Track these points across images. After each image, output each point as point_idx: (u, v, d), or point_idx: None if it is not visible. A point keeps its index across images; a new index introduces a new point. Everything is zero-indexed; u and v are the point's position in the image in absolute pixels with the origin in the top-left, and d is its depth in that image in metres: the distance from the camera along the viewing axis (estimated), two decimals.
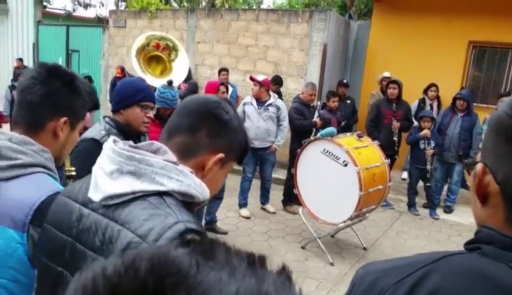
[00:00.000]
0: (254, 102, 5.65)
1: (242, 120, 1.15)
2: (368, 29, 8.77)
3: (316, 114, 5.94)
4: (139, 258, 0.38)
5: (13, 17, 12.97)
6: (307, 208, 4.81)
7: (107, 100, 9.26)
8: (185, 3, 16.56)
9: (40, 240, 1.11)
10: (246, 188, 5.81)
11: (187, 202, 0.97)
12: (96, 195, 0.95)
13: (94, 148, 2.01)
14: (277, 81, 7.01)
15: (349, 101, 7.55)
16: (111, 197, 0.93)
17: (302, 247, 4.92)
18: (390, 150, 5.75)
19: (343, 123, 6.74)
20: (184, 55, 6.08)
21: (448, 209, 6.43)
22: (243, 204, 5.82)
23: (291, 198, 5.79)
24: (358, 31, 9.09)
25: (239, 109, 5.82)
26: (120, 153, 0.95)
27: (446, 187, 6.51)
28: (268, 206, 6.02)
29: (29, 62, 11.87)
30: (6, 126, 6.27)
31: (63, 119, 1.35)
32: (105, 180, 0.95)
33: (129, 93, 2.37)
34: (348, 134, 5.15)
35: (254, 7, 10.93)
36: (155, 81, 5.61)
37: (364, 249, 4.98)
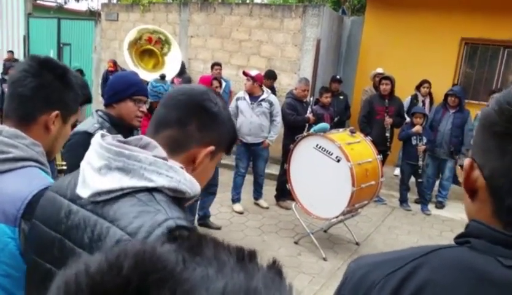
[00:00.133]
0: (247, 97, 5.64)
1: (228, 109, 1.13)
2: (361, 25, 8.78)
3: (309, 109, 5.94)
4: (124, 254, 0.37)
5: (3, 9, 12.78)
6: (300, 203, 4.82)
7: (99, 94, 9.19)
8: None
9: (29, 236, 1.10)
10: (239, 183, 5.80)
11: (177, 198, 0.96)
12: (84, 191, 0.94)
13: (87, 141, 1.98)
14: (271, 75, 6.99)
15: (341, 97, 7.56)
16: (99, 194, 0.91)
17: (295, 243, 4.93)
18: (382, 146, 5.77)
19: (336, 119, 6.76)
20: (177, 48, 6.04)
21: (440, 205, 6.48)
22: (236, 199, 5.82)
23: (284, 194, 5.80)
24: (352, 27, 9.10)
25: (232, 104, 5.80)
26: (108, 148, 0.93)
27: (437, 183, 6.56)
28: (261, 202, 6.02)
29: (19, 55, 11.73)
30: None
31: (55, 113, 1.34)
32: (93, 176, 0.93)
33: (121, 87, 2.35)
34: (341, 129, 5.16)
35: (247, 1, 10.88)
36: (148, 75, 5.57)
37: (357, 244, 5.01)
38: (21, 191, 1.19)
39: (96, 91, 9.82)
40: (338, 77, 7.69)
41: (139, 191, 0.91)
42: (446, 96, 6.23)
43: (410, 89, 7.34)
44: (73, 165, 1.29)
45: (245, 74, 5.73)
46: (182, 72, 7.69)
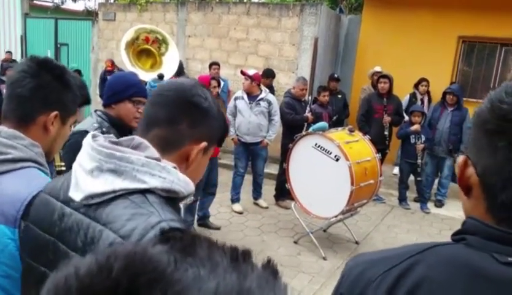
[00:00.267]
0: (245, 96, 5.63)
1: (217, 102, 1.10)
2: (359, 23, 8.78)
3: (307, 108, 5.94)
4: (114, 256, 0.36)
5: (0, 9, 12.74)
6: (299, 202, 4.82)
7: (97, 94, 9.18)
8: None
9: (23, 239, 1.09)
10: (238, 183, 5.80)
11: (171, 198, 0.95)
12: (76, 194, 0.93)
13: None
14: (269, 74, 6.98)
15: (340, 96, 7.56)
16: (92, 196, 0.90)
17: (295, 242, 4.93)
18: (381, 145, 5.78)
19: (334, 118, 6.76)
20: (174, 48, 6.04)
21: (439, 203, 6.49)
22: (235, 199, 5.81)
23: (283, 193, 5.80)
24: (349, 26, 9.10)
25: (231, 104, 5.80)
26: (99, 150, 0.92)
27: (436, 181, 6.57)
28: (260, 201, 6.02)
29: (16, 55, 11.69)
30: None
31: (54, 113, 1.33)
32: (85, 179, 0.92)
33: (120, 87, 2.34)
34: (339, 128, 5.16)
35: (245, 1, 10.87)
36: (145, 75, 5.56)
37: (356, 243, 5.01)
38: (20, 192, 1.18)
39: (94, 91, 9.80)
40: (336, 75, 7.68)
41: (131, 193, 0.89)
42: (444, 94, 6.24)
43: (408, 87, 7.35)
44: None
45: (243, 73, 5.72)
46: (180, 72, 7.67)
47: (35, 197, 1.16)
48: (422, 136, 6.10)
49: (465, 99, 6.68)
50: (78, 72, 8.10)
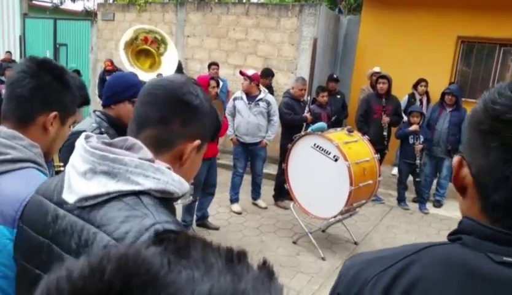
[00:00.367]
0: (244, 97, 5.63)
1: (208, 98, 1.09)
2: (358, 24, 8.78)
3: (306, 108, 5.94)
4: (107, 258, 0.36)
5: None
6: (298, 202, 4.82)
7: (96, 94, 9.17)
8: None
9: (17, 241, 1.08)
10: (237, 183, 5.80)
11: (165, 198, 0.94)
12: (70, 196, 0.92)
13: None
14: (268, 73, 6.97)
15: (339, 96, 7.56)
16: (85, 199, 0.89)
17: (294, 242, 4.93)
18: (379, 145, 5.78)
19: (333, 118, 6.75)
20: (173, 48, 6.03)
21: (438, 204, 6.50)
22: (234, 199, 5.81)
23: (282, 193, 5.80)
24: (348, 26, 9.10)
25: (230, 104, 5.79)
26: (92, 152, 0.90)
27: (435, 182, 6.57)
28: (259, 202, 6.02)
29: (15, 55, 11.68)
30: None
31: (53, 114, 1.33)
32: (78, 181, 0.91)
33: (120, 88, 2.34)
34: (338, 129, 5.16)
35: (244, 1, 10.87)
36: (144, 75, 5.55)
37: (355, 243, 5.01)
38: (19, 192, 1.18)
39: (92, 91, 9.79)
40: (335, 76, 7.69)
41: (125, 195, 0.89)
42: (443, 94, 6.24)
43: (407, 88, 7.35)
44: None
45: (242, 73, 5.72)
46: (179, 72, 7.67)
47: None
48: (421, 136, 6.10)
49: (463, 99, 6.69)
50: (77, 72, 8.11)
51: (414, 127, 6.07)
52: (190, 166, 1.06)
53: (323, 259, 4.56)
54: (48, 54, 11.11)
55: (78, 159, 0.93)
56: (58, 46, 11.61)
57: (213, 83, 4.98)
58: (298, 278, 4.16)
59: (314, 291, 3.97)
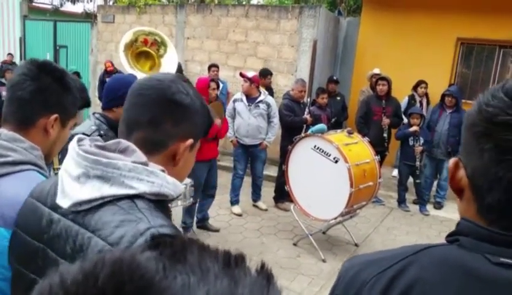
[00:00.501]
0: (244, 99, 5.62)
1: (198, 93, 1.06)
2: (358, 26, 8.79)
3: (306, 110, 5.94)
4: (101, 264, 0.36)
5: None
6: (298, 204, 4.82)
7: (96, 96, 9.17)
8: None
9: (12, 245, 1.07)
10: (237, 185, 5.79)
11: (160, 200, 0.93)
12: (63, 201, 0.91)
13: None
14: (266, 73, 6.96)
15: (338, 98, 7.55)
16: (79, 203, 0.88)
17: (294, 244, 4.92)
18: (380, 147, 5.78)
19: (333, 120, 6.75)
20: (173, 50, 6.02)
21: (438, 205, 6.49)
22: (235, 201, 5.81)
23: (282, 195, 5.79)
24: (348, 28, 9.11)
25: (229, 106, 5.79)
26: (84, 157, 0.89)
27: (435, 183, 6.57)
28: (260, 203, 6.01)
29: (16, 57, 11.69)
30: None
31: (54, 116, 1.33)
32: (72, 186, 0.90)
33: (121, 91, 2.33)
34: (338, 130, 5.16)
35: (244, 3, 10.88)
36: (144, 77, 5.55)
37: (356, 245, 5.00)
38: (19, 195, 1.18)
39: (92, 93, 9.79)
40: (335, 77, 7.68)
41: (120, 199, 0.88)
42: (443, 96, 6.25)
43: (407, 89, 7.35)
44: None
45: (242, 75, 5.72)
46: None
47: None
48: (421, 138, 6.10)
49: (463, 101, 6.68)
50: (77, 74, 8.12)
51: (414, 127, 6.07)
52: (184, 166, 1.05)
53: (323, 260, 4.56)
54: (49, 56, 11.12)
55: (71, 163, 0.92)
56: (58, 48, 11.62)
57: (213, 85, 4.99)
58: (299, 280, 4.16)
59: (315, 293, 3.96)
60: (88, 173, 0.89)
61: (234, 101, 5.75)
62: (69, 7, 17.96)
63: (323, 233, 5.18)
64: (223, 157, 7.52)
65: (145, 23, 9.27)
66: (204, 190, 4.91)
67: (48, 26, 11.83)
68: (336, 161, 4.44)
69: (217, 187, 5.11)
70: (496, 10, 7.29)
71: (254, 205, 6.03)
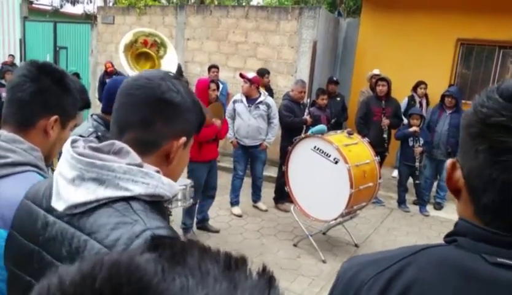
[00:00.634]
0: (244, 100, 5.63)
1: (190, 89, 1.05)
2: (357, 26, 8.80)
3: (306, 111, 5.94)
4: (99, 265, 0.35)
5: None
6: (298, 205, 4.82)
7: (96, 97, 9.18)
8: (174, 0, 16.46)
9: (7, 248, 1.06)
10: (237, 186, 5.79)
11: (156, 201, 0.93)
12: (58, 204, 0.90)
13: None
14: (263, 72, 6.96)
15: (338, 98, 7.55)
16: (75, 206, 0.87)
17: (294, 245, 4.92)
18: (380, 148, 5.77)
19: (333, 121, 6.75)
20: (172, 51, 6.02)
21: (438, 206, 6.49)
22: (235, 202, 5.81)
23: (282, 196, 5.79)
24: (348, 29, 9.12)
25: (229, 107, 5.79)
26: (78, 159, 0.89)
27: (435, 184, 6.57)
28: (260, 204, 6.01)
29: (16, 59, 11.70)
30: None
31: (54, 117, 1.34)
32: (67, 188, 0.89)
33: None
34: (338, 131, 5.16)
35: (244, 4, 10.88)
36: None
37: (356, 246, 5.00)
38: (19, 196, 1.18)
39: (92, 94, 9.79)
40: (335, 78, 7.69)
41: (115, 201, 0.87)
42: (443, 97, 6.25)
43: (406, 90, 7.36)
44: None
45: (242, 76, 5.72)
46: (179, 75, 7.67)
47: None
48: (421, 139, 6.10)
49: (463, 101, 6.68)
50: (77, 75, 8.11)
51: (414, 127, 6.07)
52: (178, 164, 1.05)
53: (323, 261, 4.56)
54: (49, 57, 11.12)
55: (66, 165, 0.91)
56: (58, 49, 11.62)
57: (213, 86, 4.98)
58: (299, 280, 4.16)
59: (315, 294, 3.96)
60: (83, 175, 0.88)
61: (234, 102, 5.75)
62: (69, 8, 17.97)
63: (323, 234, 5.18)
64: (223, 158, 7.53)
65: (145, 24, 9.28)
66: (204, 191, 4.91)
67: (48, 27, 11.83)
68: (336, 162, 4.44)
69: (217, 188, 5.11)
70: (496, 11, 7.29)
71: (254, 206, 6.03)
